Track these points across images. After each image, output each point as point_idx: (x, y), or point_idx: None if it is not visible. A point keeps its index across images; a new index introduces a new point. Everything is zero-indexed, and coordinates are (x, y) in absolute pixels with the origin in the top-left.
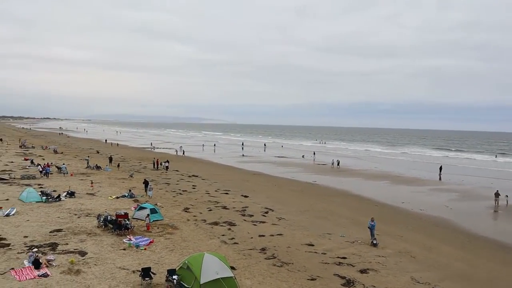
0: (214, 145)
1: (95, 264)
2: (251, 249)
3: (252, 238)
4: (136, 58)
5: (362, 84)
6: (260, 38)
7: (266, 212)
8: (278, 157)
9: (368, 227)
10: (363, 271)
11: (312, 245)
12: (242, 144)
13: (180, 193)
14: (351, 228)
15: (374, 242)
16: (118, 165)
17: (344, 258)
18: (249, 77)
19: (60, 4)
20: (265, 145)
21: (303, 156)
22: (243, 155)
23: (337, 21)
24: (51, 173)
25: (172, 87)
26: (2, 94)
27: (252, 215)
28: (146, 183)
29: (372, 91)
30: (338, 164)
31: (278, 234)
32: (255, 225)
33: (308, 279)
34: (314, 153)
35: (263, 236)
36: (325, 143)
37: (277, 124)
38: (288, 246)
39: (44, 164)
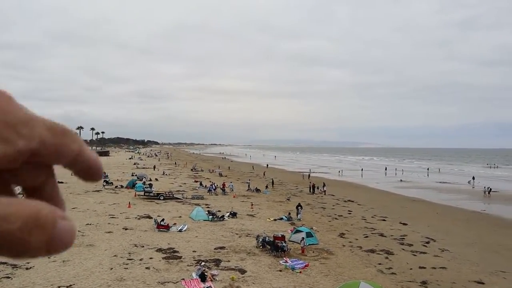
0: (362, 169)
1: (253, 283)
2: (410, 281)
3: (411, 269)
4: (292, 85)
5: None
6: (420, 57)
7: (427, 242)
8: (440, 182)
9: None
10: None
11: (483, 283)
12: (385, 169)
13: (336, 218)
14: None
15: None
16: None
17: None
18: (408, 97)
19: (225, 42)
20: (428, 169)
21: (468, 182)
22: (401, 180)
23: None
24: (216, 195)
25: (327, 111)
26: (177, 124)
27: (412, 245)
28: (298, 206)
29: None
30: (489, 192)
31: (441, 267)
32: (414, 255)
33: None
34: (474, 178)
35: (424, 268)
36: (496, 167)
37: (440, 147)
38: (453, 282)
39: (212, 184)
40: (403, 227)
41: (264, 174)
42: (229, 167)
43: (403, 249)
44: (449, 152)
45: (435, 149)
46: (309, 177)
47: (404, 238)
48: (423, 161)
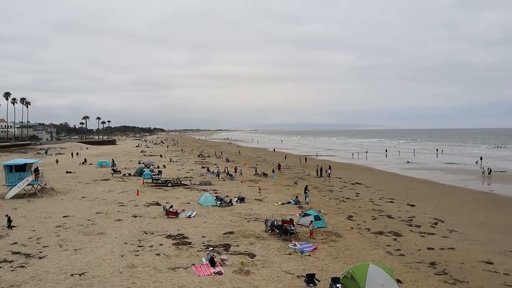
0: (366, 152)
1: (263, 267)
2: (419, 263)
3: (420, 250)
4: (296, 69)
5: None
6: (423, 38)
7: (435, 223)
8: (447, 163)
9: None
10: None
11: (491, 263)
12: (386, 151)
13: (344, 201)
14: None
15: None
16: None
17: None
18: (411, 79)
19: (227, 28)
20: (437, 150)
21: (476, 163)
22: (408, 162)
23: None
24: (224, 180)
25: (332, 94)
26: (183, 111)
27: (420, 226)
28: (306, 189)
29: None
30: (489, 173)
31: (449, 248)
32: (423, 236)
33: None
34: (481, 158)
35: (432, 249)
36: (505, 146)
37: (446, 128)
38: (462, 262)
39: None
40: (411, 209)
41: (285, 158)
42: (235, 153)
43: (411, 231)
44: (455, 132)
45: (441, 130)
46: (306, 160)
47: (412, 220)
48: (430, 142)
